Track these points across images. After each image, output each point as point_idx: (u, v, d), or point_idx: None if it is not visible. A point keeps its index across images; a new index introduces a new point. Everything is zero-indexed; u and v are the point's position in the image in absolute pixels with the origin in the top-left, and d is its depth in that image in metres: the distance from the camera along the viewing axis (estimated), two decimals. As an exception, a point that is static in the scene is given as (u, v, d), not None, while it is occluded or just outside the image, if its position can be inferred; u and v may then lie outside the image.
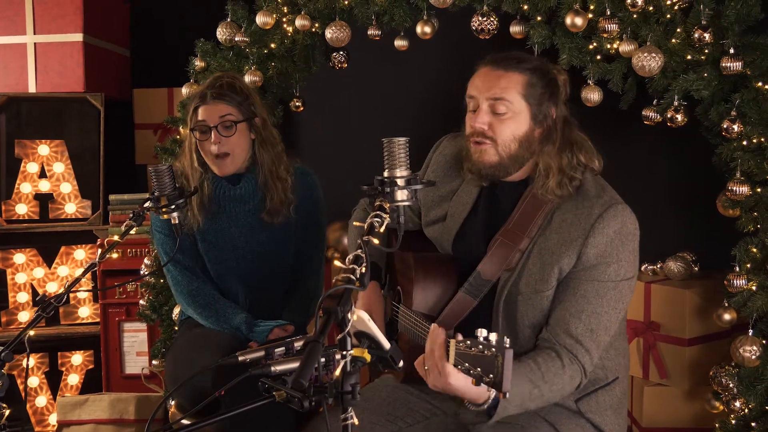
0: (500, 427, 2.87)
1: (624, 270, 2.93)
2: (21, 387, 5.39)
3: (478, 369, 2.41)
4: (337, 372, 2.06)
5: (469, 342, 2.46)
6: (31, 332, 2.98)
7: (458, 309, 3.06)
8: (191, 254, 4.01)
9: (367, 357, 2.17)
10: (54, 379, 5.69)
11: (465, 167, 3.15)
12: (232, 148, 3.85)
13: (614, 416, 3.11)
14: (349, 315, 2.05)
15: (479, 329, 2.45)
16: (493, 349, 2.36)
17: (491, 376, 2.36)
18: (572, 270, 2.92)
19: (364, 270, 2.15)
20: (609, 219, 2.89)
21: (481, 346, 2.41)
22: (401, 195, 2.49)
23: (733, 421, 4.03)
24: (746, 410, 3.99)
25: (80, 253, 5.70)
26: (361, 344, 2.28)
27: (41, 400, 5.66)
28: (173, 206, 3.40)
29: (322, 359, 2.14)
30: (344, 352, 2.08)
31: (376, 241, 2.30)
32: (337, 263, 2.23)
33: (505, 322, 3.02)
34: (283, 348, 2.52)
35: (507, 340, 2.35)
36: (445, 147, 3.42)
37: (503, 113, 2.95)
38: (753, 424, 3.98)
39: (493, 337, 2.40)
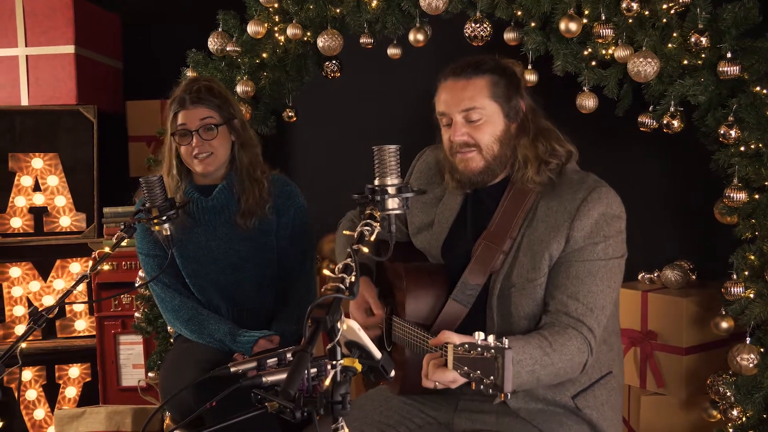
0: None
1: (612, 249, 2.96)
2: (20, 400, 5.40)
3: (478, 372, 2.40)
4: (327, 382, 2.02)
5: (467, 345, 2.46)
6: (23, 345, 2.97)
7: (450, 318, 3.06)
8: (172, 270, 3.99)
9: (358, 367, 2.14)
10: (52, 392, 5.67)
11: (453, 179, 3.18)
12: (215, 149, 3.85)
13: (611, 412, 3.12)
14: (338, 324, 2.02)
15: (477, 332, 2.46)
16: (492, 351, 2.36)
17: (492, 378, 2.36)
18: (562, 254, 2.96)
19: (353, 279, 2.13)
20: (594, 201, 2.93)
21: (479, 349, 2.40)
22: (392, 203, 2.48)
23: (731, 430, 4.00)
24: (744, 419, 3.96)
25: (76, 267, 5.69)
26: (352, 354, 2.25)
27: (39, 413, 5.64)
28: (164, 217, 3.37)
29: (314, 370, 2.12)
30: (334, 362, 2.05)
31: (365, 249, 2.27)
32: (325, 272, 2.21)
33: (500, 318, 3.03)
34: (275, 358, 2.49)
35: (506, 341, 2.34)
36: (428, 156, 3.47)
37: (477, 120, 3.01)
38: (750, 432, 3.96)
39: (491, 339, 2.40)
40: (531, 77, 4.26)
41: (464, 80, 3.03)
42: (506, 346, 2.33)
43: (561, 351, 2.83)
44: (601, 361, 3.09)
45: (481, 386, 2.40)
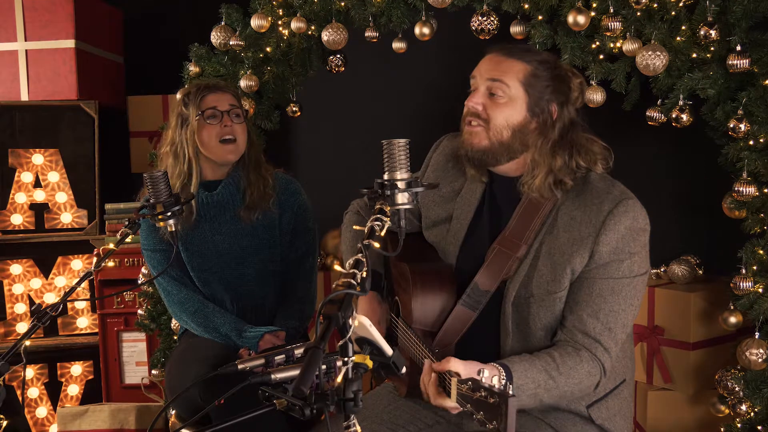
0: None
1: (637, 266, 2.88)
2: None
3: (481, 413, 2.36)
4: (339, 379, 1.99)
5: (471, 384, 2.43)
6: (27, 342, 2.94)
7: (458, 324, 3.02)
8: (178, 264, 4.01)
9: (369, 363, 2.11)
10: (54, 390, 5.66)
11: (459, 153, 3.11)
12: (239, 135, 3.90)
13: (623, 421, 3.09)
14: (350, 321, 1.99)
15: (480, 370, 2.44)
16: (496, 398, 2.31)
17: (495, 423, 2.31)
18: (585, 269, 2.87)
19: (365, 274, 2.09)
20: (620, 215, 2.83)
21: (483, 392, 2.36)
22: (402, 198, 2.43)
23: (739, 425, 4.00)
24: (752, 413, 3.95)
25: (77, 263, 5.66)
26: (363, 350, 2.22)
27: (41, 411, 5.62)
28: (169, 213, 3.33)
29: (324, 366, 2.09)
30: (346, 359, 2.01)
31: (376, 245, 2.23)
32: (337, 268, 2.16)
33: (516, 327, 2.97)
34: (283, 355, 2.47)
35: (510, 387, 2.30)
36: (446, 146, 3.37)
37: (499, 96, 2.91)
38: (759, 427, 3.95)
39: (495, 380, 2.38)
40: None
41: (505, 56, 2.94)
42: (510, 393, 2.28)
43: (568, 374, 2.80)
44: (616, 370, 3.05)
45: (483, 427, 2.37)
